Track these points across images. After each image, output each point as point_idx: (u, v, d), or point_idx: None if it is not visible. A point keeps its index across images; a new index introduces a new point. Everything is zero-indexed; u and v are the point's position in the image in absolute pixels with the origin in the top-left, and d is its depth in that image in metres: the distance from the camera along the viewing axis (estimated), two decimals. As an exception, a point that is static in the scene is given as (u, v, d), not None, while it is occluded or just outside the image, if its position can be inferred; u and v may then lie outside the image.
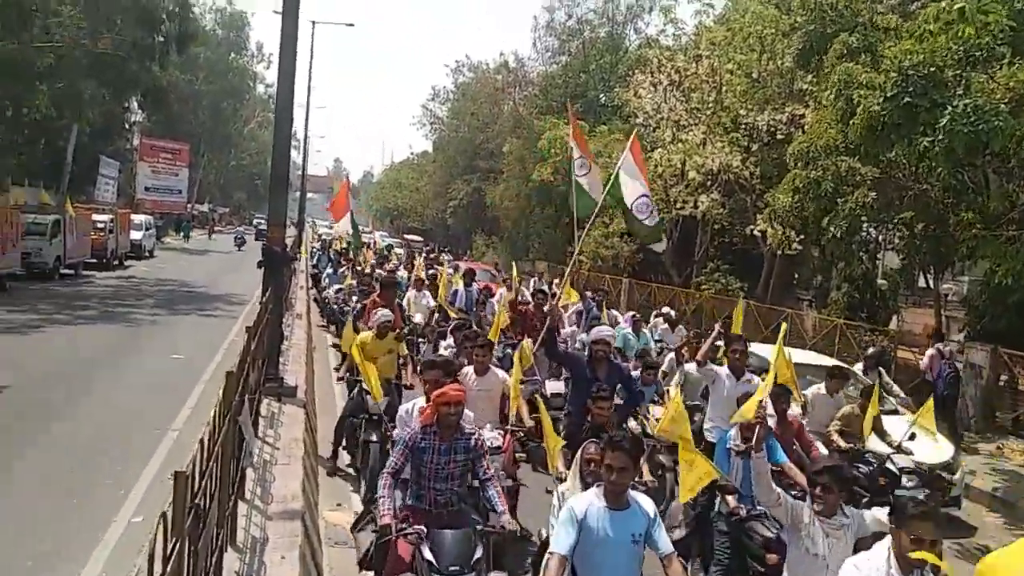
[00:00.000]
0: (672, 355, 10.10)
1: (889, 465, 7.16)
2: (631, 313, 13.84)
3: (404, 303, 12.35)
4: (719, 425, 6.66)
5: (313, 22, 30.63)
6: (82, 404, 9.03)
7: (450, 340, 9.04)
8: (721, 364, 7.42)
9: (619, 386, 6.68)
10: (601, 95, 31.72)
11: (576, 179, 9.68)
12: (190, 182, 53.46)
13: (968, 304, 14.91)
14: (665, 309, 14.57)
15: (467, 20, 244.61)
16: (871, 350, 10.93)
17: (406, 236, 52.43)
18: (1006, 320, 12.33)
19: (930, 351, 11.76)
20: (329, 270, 18.66)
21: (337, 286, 15.98)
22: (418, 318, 12.02)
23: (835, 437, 7.18)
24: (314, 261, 25.23)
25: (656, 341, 12.33)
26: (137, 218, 31.18)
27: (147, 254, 30.95)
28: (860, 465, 7.02)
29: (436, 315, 11.71)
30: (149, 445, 7.70)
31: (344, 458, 7.76)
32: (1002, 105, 9.50)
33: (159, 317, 16.19)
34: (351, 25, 35.53)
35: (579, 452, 4.68)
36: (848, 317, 16.00)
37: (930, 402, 7.71)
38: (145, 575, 2.39)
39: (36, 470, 6.84)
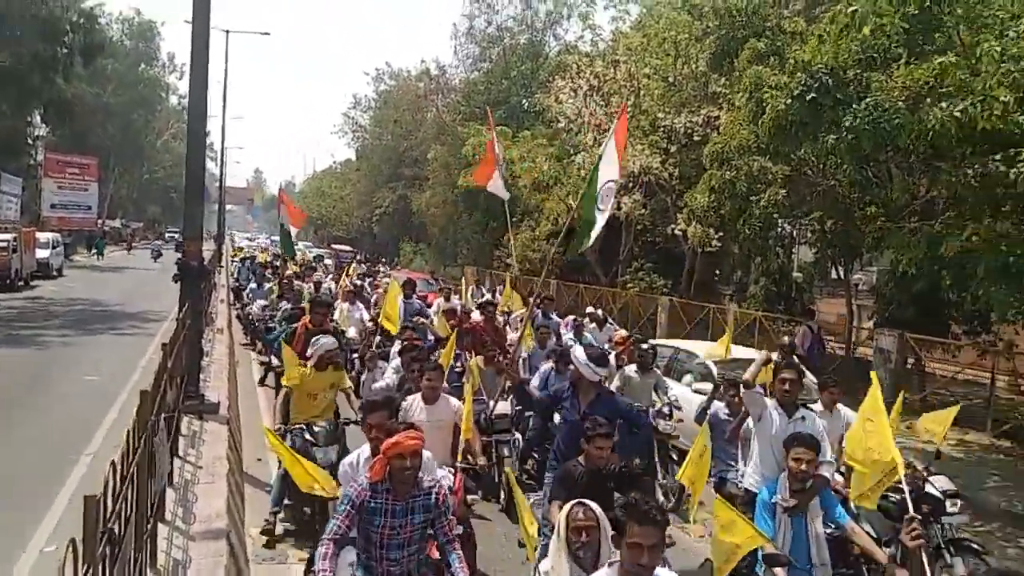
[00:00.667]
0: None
1: (930, 489, 5.92)
2: (571, 317, 13.44)
3: (336, 316, 11.67)
4: (763, 472, 5.26)
5: (227, 31, 29.93)
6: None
7: (396, 362, 7.63)
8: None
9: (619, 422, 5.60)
10: (523, 101, 31.94)
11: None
12: (100, 197, 51.22)
13: (877, 293, 15.67)
14: (590, 309, 14.43)
15: (386, 28, 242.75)
16: (786, 339, 11.37)
17: (334, 246, 50.92)
18: (912, 307, 13.00)
19: (802, 328, 12.84)
20: (252, 285, 17.82)
21: (261, 302, 15.23)
22: (351, 332, 11.38)
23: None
24: (235, 275, 24.06)
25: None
26: (43, 236, 29.65)
27: (55, 273, 29.45)
28: (890, 494, 5.49)
29: (377, 335, 10.52)
30: (62, 471, 7.33)
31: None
32: (900, 103, 10.04)
33: (70, 338, 15.44)
34: (267, 34, 35.25)
35: (563, 516, 3.73)
36: (767, 309, 16.57)
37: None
38: (53, 604, 2.27)
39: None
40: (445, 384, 6.39)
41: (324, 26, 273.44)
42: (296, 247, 16.66)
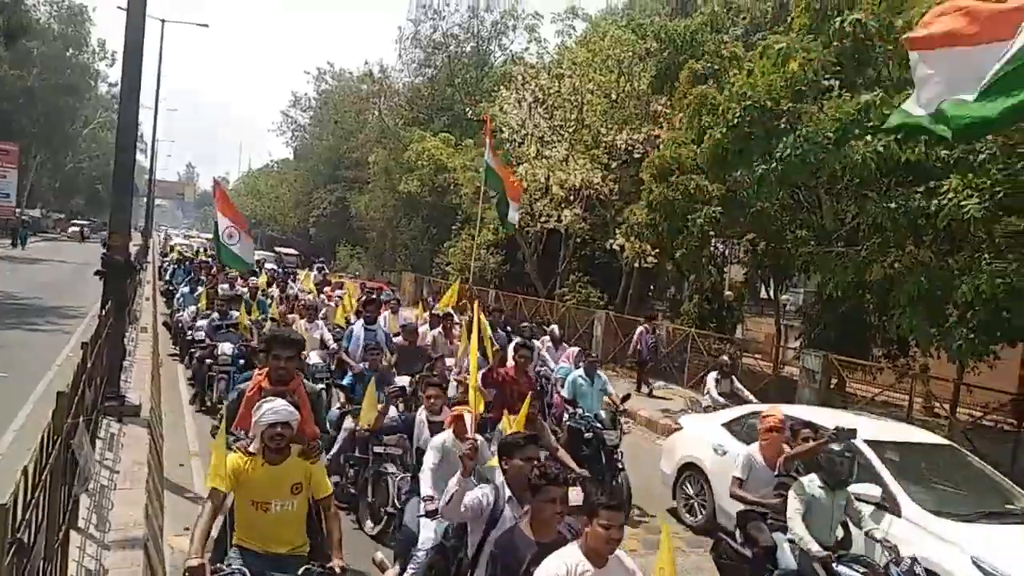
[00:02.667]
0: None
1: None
2: (574, 349, 11.34)
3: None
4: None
5: (163, 20, 29.03)
6: None
7: (442, 439, 5.40)
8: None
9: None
10: (467, 109, 31.99)
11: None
12: (19, 185, 48.80)
13: (804, 314, 16.19)
14: (551, 327, 12.97)
15: (329, 26, 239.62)
16: (724, 357, 11.70)
17: (278, 248, 45.87)
18: (836, 329, 13.48)
19: (639, 328, 15.96)
20: (185, 288, 15.92)
21: (192, 308, 13.79)
22: (313, 358, 9.60)
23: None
24: (167, 276, 22.15)
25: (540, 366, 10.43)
26: (-46, 223, 28.06)
27: (-33, 263, 27.88)
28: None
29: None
30: (-36, 475, 6.89)
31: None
32: (829, 134, 10.46)
33: (-22, 332, 14.60)
34: (205, 26, 33.87)
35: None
36: (699, 326, 16.94)
37: None
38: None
39: None
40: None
41: (264, 21, 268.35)
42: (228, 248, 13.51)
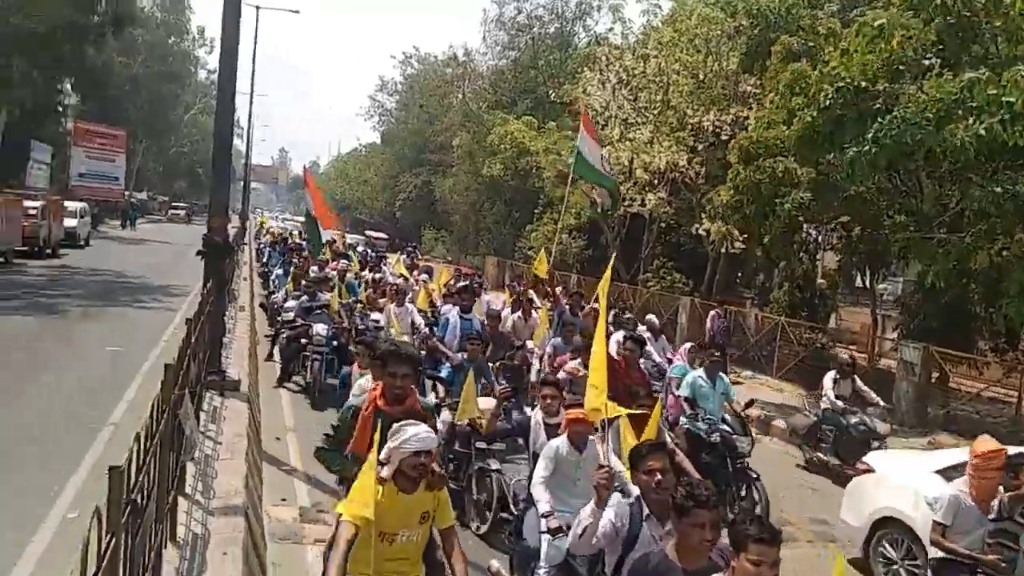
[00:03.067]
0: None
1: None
2: (687, 344, 10.07)
3: (380, 319, 10.59)
4: None
5: (257, 7, 30.00)
6: (14, 398, 8.64)
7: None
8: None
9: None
10: (550, 91, 31.85)
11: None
12: (128, 169, 51.75)
13: (902, 304, 15.49)
14: (649, 317, 12.26)
15: (416, 10, 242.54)
16: (844, 355, 10.87)
17: (368, 232, 46.37)
18: (938, 320, 12.84)
19: (712, 312, 15.50)
20: (279, 270, 16.13)
21: (285, 290, 14.00)
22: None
23: None
24: (264, 259, 22.07)
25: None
26: (71, 205, 29.95)
27: (82, 243, 29.80)
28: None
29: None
30: (84, 441, 7.43)
31: None
32: (928, 115, 9.90)
33: (94, 308, 15.62)
34: (296, 12, 34.93)
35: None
36: (789, 315, 16.44)
37: None
38: (79, 572, 2.30)
39: (-40, 467, 6.54)
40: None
41: (354, 7, 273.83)
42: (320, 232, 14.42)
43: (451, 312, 9.60)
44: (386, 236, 45.17)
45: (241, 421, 7.20)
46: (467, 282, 12.74)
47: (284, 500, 6.71)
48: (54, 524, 5.63)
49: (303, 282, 12.21)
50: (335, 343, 10.24)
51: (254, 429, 7.82)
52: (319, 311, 11.03)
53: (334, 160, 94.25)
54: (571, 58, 34.35)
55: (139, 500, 3.24)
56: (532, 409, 6.28)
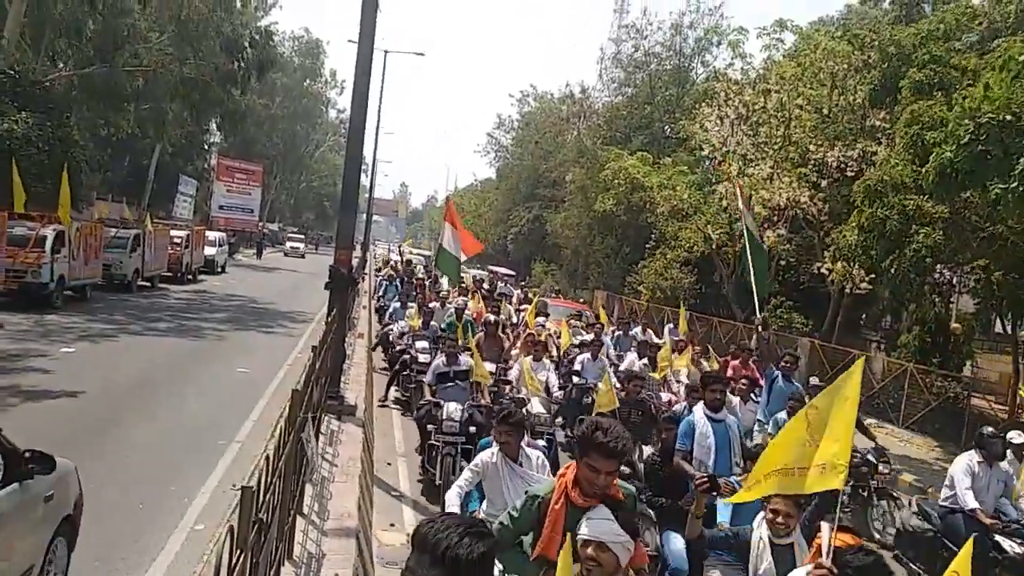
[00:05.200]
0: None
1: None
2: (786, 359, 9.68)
3: (512, 376, 9.37)
4: None
5: (385, 51, 31.44)
6: (152, 412, 9.38)
7: None
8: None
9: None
10: (666, 127, 31.63)
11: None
12: (262, 202, 55.34)
13: (1049, 353, 14.20)
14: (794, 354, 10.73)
15: (534, 50, 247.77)
16: (989, 429, 6.97)
17: (492, 268, 42.75)
18: (1090, 372, 11.69)
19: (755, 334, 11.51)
20: (396, 304, 15.29)
21: (403, 322, 13.24)
22: (536, 406, 8.10)
23: None
24: (380, 292, 21.03)
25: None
26: (211, 234, 32.35)
27: (219, 269, 32.02)
28: None
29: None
30: (213, 455, 7.96)
31: None
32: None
33: (227, 332, 16.72)
34: (421, 55, 36.36)
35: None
36: (919, 361, 15.42)
37: None
38: (210, 584, 2.47)
39: (108, 475, 7.12)
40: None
41: (474, 47, 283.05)
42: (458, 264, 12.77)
43: (698, 416, 6.01)
44: (512, 272, 42.22)
45: (356, 445, 7.47)
46: (716, 371, 8.60)
47: (393, 525, 6.90)
48: (182, 535, 6.04)
49: (446, 343, 9.27)
50: (472, 429, 7.65)
51: (368, 453, 8.10)
52: (455, 381, 8.69)
53: (451, 194, 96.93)
54: (688, 94, 34.05)
55: (265, 518, 3.44)
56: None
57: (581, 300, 26.73)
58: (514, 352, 10.41)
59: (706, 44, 37.66)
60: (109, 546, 5.68)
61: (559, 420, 9.17)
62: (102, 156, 32.13)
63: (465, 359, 8.82)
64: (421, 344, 11.04)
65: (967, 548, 3.04)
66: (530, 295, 21.61)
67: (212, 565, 2.50)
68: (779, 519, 4.02)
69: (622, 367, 10.73)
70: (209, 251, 30.61)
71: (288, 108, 58.19)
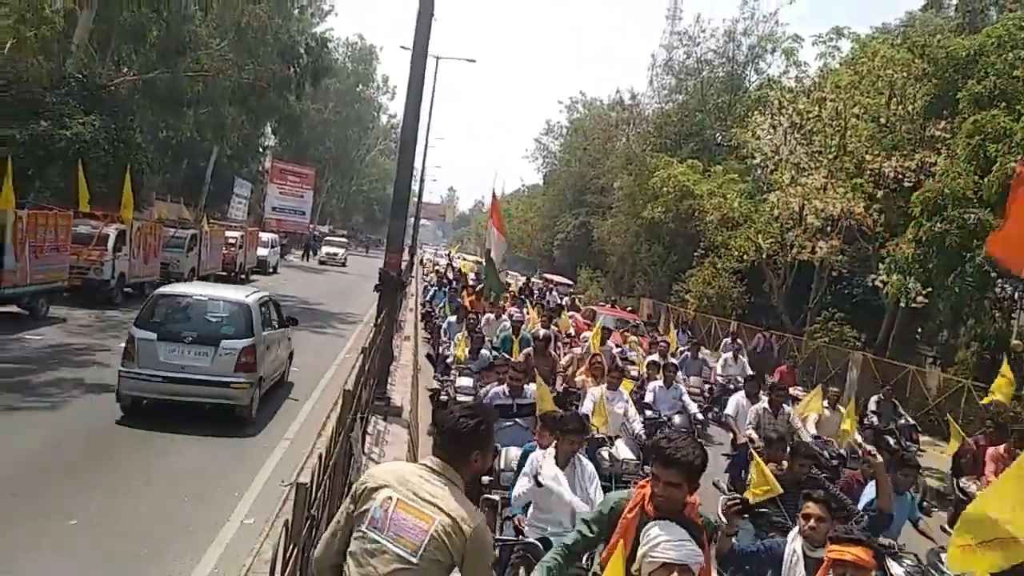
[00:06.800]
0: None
1: None
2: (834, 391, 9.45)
3: (585, 408, 7.32)
4: None
5: (437, 58, 31.67)
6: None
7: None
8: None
9: None
10: (717, 135, 31.26)
11: None
12: (313, 204, 56.37)
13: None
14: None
15: (583, 57, 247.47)
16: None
17: (547, 276, 41.23)
18: None
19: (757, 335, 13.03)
20: (452, 319, 13.18)
21: (450, 355, 11.19)
22: (624, 451, 6.72)
23: None
24: (428, 296, 20.16)
25: None
26: (264, 236, 33.05)
27: (271, 270, 32.67)
28: None
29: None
30: (263, 451, 8.15)
31: None
32: None
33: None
34: (472, 61, 36.86)
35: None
36: (977, 378, 14.93)
37: None
38: (264, 577, 2.54)
39: (165, 470, 7.36)
40: None
41: (524, 53, 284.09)
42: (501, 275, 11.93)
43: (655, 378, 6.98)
44: (570, 282, 39.41)
45: (401, 446, 7.57)
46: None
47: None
48: (233, 528, 6.21)
49: (503, 370, 7.69)
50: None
51: (412, 454, 8.20)
52: (514, 422, 6.76)
53: (499, 200, 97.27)
54: (740, 101, 33.63)
55: (316, 514, 3.52)
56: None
57: (628, 308, 26.58)
58: (579, 378, 8.84)
59: (760, 51, 37.16)
60: (161, 535, 5.87)
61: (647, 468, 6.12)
62: (162, 158, 33.20)
63: (531, 389, 6.86)
64: (464, 382, 9.16)
65: None
66: (576, 302, 21.43)
67: (263, 559, 2.58)
68: (811, 523, 4.00)
69: (728, 410, 8.69)
70: (262, 252, 31.25)
71: (340, 113, 59.20)
